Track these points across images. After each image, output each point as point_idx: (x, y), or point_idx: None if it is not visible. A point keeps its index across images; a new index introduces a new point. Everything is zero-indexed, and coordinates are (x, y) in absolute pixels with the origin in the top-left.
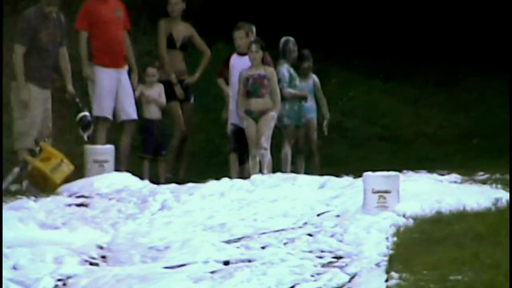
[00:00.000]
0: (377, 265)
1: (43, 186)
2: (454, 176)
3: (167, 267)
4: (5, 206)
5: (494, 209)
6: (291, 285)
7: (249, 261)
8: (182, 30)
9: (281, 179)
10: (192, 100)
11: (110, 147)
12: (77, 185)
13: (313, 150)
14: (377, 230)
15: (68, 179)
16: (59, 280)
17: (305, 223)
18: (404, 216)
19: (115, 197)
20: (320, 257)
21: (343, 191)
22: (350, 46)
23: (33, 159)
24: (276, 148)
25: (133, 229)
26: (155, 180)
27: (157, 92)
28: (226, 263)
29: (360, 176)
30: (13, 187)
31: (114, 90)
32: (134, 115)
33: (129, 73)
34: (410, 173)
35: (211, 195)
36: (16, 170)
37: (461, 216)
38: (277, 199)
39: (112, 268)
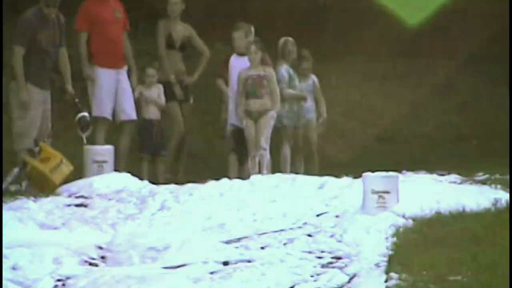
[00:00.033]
0: (377, 265)
1: (42, 187)
2: (454, 177)
3: (166, 267)
4: (4, 207)
5: (494, 209)
6: (290, 285)
7: (249, 261)
8: (181, 30)
9: (280, 179)
10: (191, 100)
11: (109, 148)
12: (76, 186)
13: (312, 151)
14: (376, 230)
15: (67, 180)
16: (58, 280)
17: (305, 224)
18: (403, 216)
19: (115, 198)
20: (320, 258)
21: (343, 192)
22: (348, 47)
23: (33, 159)
24: (275, 149)
25: (133, 230)
26: (154, 181)
27: (156, 92)
28: (226, 263)
29: (360, 176)
30: (13, 188)
31: (114, 91)
32: (133, 116)
33: (129, 73)
34: (410, 173)
35: (211, 196)
36: (16, 170)
37: (461, 217)
38: (276, 200)
39: (112, 268)
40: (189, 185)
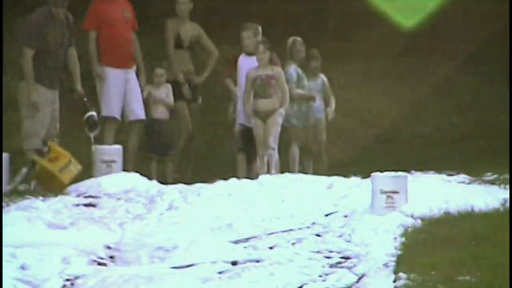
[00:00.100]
0: (385, 265)
1: (51, 186)
2: (463, 177)
3: (174, 267)
4: (13, 206)
5: (503, 209)
6: (299, 285)
7: (257, 261)
8: (190, 30)
9: (289, 179)
10: (199, 100)
11: (118, 147)
12: (85, 185)
13: (321, 151)
14: (385, 230)
15: (76, 179)
16: (67, 280)
17: (313, 223)
18: (412, 216)
19: (123, 197)
20: (328, 258)
21: (351, 191)
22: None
23: (41, 159)
24: (283, 149)
25: (141, 229)
26: (162, 180)
27: (165, 92)
28: (234, 263)
29: (368, 176)
30: (21, 187)
31: (122, 91)
32: (142, 115)
33: (137, 73)
34: (418, 173)
35: (219, 195)
36: (24, 170)
37: (469, 217)
38: (285, 199)
39: (120, 268)
40: (198, 185)
